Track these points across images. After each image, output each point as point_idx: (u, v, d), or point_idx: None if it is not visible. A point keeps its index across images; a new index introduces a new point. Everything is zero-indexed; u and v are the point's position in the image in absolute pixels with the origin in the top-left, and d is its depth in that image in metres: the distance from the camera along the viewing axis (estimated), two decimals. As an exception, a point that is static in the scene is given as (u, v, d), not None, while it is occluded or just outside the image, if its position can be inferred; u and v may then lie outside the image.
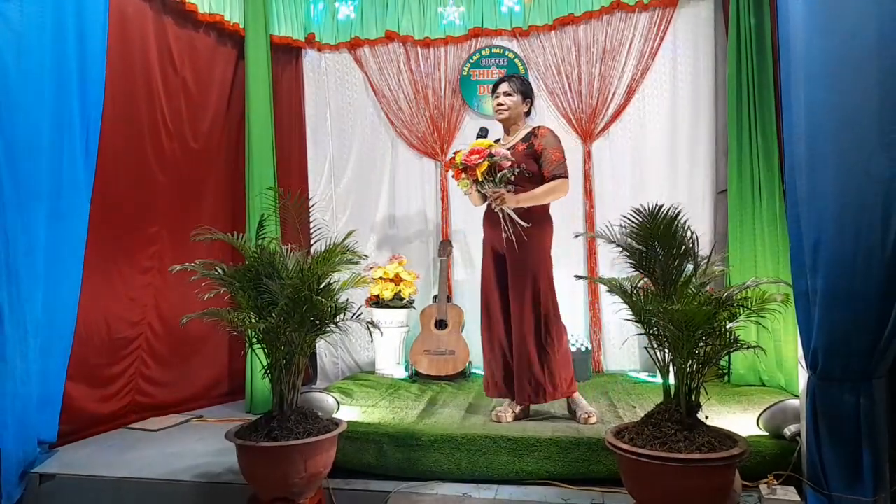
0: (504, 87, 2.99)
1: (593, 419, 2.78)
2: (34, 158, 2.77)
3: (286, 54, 4.36)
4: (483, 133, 2.95)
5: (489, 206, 2.94)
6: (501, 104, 2.97)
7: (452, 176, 2.93)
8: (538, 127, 3.01)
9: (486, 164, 2.71)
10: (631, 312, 2.11)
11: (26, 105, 2.73)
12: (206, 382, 3.94)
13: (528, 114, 3.06)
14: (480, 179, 2.75)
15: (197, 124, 3.87)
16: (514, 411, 2.91)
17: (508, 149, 2.89)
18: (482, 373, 4.06)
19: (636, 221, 2.03)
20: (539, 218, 2.88)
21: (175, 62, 3.72)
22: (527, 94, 3.02)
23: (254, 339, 2.35)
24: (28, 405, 2.74)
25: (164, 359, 3.69)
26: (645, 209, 2.01)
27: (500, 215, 2.79)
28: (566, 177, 2.88)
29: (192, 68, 3.83)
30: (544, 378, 2.86)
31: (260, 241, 2.47)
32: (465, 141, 4.35)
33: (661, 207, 1.99)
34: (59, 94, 2.89)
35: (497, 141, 3.06)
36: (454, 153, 2.88)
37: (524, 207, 2.82)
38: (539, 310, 2.88)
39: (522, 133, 2.98)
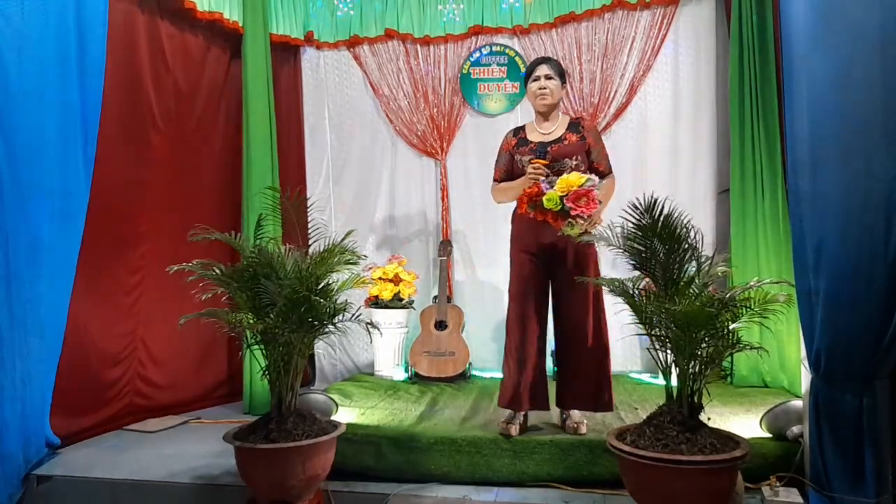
0: (545, 69, 2.75)
1: (583, 429, 2.63)
2: (35, 157, 2.76)
3: (284, 52, 4.34)
4: (543, 153, 2.65)
5: (523, 202, 2.70)
6: (544, 89, 2.73)
7: (534, 211, 2.54)
8: (581, 118, 2.87)
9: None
10: (633, 313, 2.09)
11: (28, 104, 2.72)
12: (204, 383, 3.93)
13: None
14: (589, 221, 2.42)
15: (189, 123, 3.85)
16: (520, 423, 2.71)
17: (558, 139, 2.74)
18: (483, 375, 4.10)
19: (634, 218, 2.02)
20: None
21: (167, 61, 3.70)
22: (563, 76, 2.83)
23: (252, 340, 2.33)
24: (29, 406, 2.73)
25: (162, 360, 3.67)
26: (641, 203, 1.99)
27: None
28: (612, 172, 2.82)
29: (184, 67, 3.81)
30: (610, 385, 2.71)
31: (258, 241, 2.45)
32: (465, 140, 4.36)
33: (656, 201, 1.97)
34: (60, 92, 2.88)
35: (523, 128, 2.87)
36: (533, 193, 2.51)
37: None
38: (601, 313, 2.75)
39: (564, 121, 2.82)
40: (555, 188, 2.44)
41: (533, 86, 2.78)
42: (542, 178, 2.56)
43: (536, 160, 2.63)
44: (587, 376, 2.70)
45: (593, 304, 2.73)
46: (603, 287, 2.73)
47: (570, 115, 2.90)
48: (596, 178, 2.50)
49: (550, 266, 2.76)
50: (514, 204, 2.86)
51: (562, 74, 2.83)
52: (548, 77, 2.76)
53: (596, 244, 2.73)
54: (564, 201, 2.40)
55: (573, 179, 2.42)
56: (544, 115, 2.82)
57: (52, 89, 2.83)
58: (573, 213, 2.39)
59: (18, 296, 2.67)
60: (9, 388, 2.61)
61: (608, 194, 2.75)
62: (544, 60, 2.83)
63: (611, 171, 2.82)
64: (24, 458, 2.68)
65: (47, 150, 2.82)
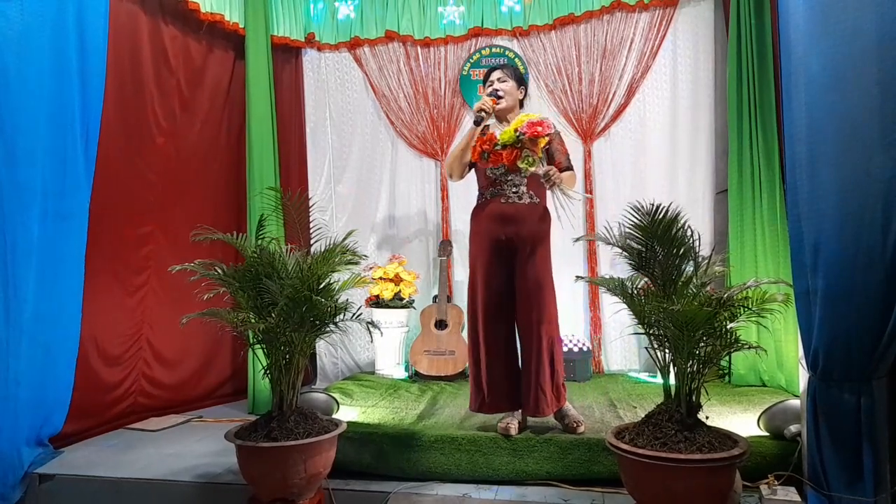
0: (497, 73, 2.84)
1: (581, 428, 2.64)
2: (35, 159, 2.77)
3: (286, 54, 4.36)
4: (478, 121, 2.70)
5: (486, 199, 2.80)
6: (497, 90, 2.79)
7: (488, 159, 2.56)
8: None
9: (546, 139, 2.44)
10: (631, 313, 2.10)
11: (27, 105, 2.72)
12: (208, 383, 3.94)
13: (521, 103, 2.90)
14: (540, 156, 2.45)
15: (193, 124, 3.87)
16: (519, 421, 2.72)
17: None
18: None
19: (635, 221, 2.03)
20: (547, 215, 2.80)
21: (170, 62, 3.72)
22: (521, 80, 2.88)
23: (253, 340, 2.34)
24: (24, 406, 2.74)
25: (167, 360, 3.69)
26: (643, 207, 2.00)
27: (555, 196, 2.54)
28: (573, 169, 2.81)
29: (187, 68, 3.83)
30: (560, 385, 2.72)
31: (260, 241, 2.46)
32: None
33: (658, 207, 1.98)
34: (60, 93, 2.89)
35: (486, 128, 2.83)
36: (487, 136, 2.57)
37: (539, 204, 2.76)
38: (552, 313, 2.74)
39: None
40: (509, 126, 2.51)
41: (487, 89, 2.85)
42: (487, 112, 2.66)
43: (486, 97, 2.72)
44: (540, 379, 2.67)
45: (548, 305, 2.72)
46: (555, 288, 2.78)
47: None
48: (551, 122, 2.54)
49: (510, 264, 2.77)
50: (473, 202, 2.89)
51: (518, 78, 2.87)
52: (500, 80, 2.82)
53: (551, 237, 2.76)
54: (518, 131, 2.46)
55: (524, 117, 2.51)
56: (501, 117, 2.85)
57: (51, 91, 2.84)
58: (527, 135, 2.44)
59: (15, 296, 2.68)
60: (2, 388, 2.62)
61: (571, 181, 2.74)
62: (498, 67, 2.90)
63: (570, 167, 2.80)
64: (19, 458, 2.69)
65: (48, 150, 2.83)
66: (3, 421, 2.62)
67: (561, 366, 2.76)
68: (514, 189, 2.74)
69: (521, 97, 2.89)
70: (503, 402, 2.77)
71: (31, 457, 2.76)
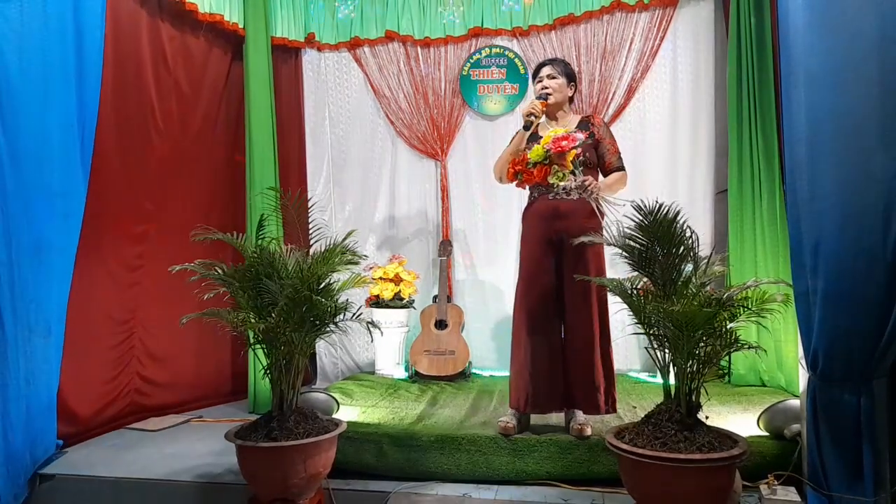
0: (547, 70, 2.79)
1: (588, 430, 2.58)
2: (38, 158, 2.76)
3: (285, 54, 4.36)
4: (527, 125, 2.70)
5: (535, 197, 2.77)
6: (546, 88, 2.76)
7: (521, 179, 2.59)
8: (592, 115, 2.88)
9: (574, 151, 2.44)
10: (631, 313, 2.10)
11: (29, 104, 2.72)
12: (207, 382, 3.94)
13: (571, 99, 2.87)
14: (570, 169, 2.45)
15: (190, 124, 3.86)
16: (519, 420, 2.70)
17: None
18: (482, 374, 4.12)
19: (636, 219, 2.03)
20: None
21: (168, 62, 3.71)
22: (571, 76, 2.84)
23: (253, 340, 2.34)
24: (35, 406, 2.74)
25: (163, 359, 3.68)
26: (645, 207, 2.00)
27: (595, 205, 2.55)
28: (625, 169, 2.77)
29: (185, 68, 3.82)
30: (612, 384, 2.66)
31: (260, 241, 2.46)
32: (465, 140, 4.38)
33: (661, 206, 1.98)
34: (60, 93, 2.89)
35: (529, 127, 2.80)
36: (520, 158, 2.58)
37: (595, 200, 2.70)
38: (605, 311, 2.69)
39: (573, 120, 2.82)
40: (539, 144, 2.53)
41: (536, 87, 2.83)
42: (536, 115, 2.67)
43: (536, 101, 2.70)
44: (594, 376, 2.64)
45: (598, 303, 2.68)
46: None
47: (579, 114, 2.88)
48: (579, 134, 2.51)
49: (559, 261, 2.73)
50: (524, 202, 2.87)
51: (568, 74, 2.83)
52: (550, 77, 2.78)
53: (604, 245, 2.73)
54: (546, 148, 2.47)
55: (553, 132, 2.50)
56: (550, 114, 2.83)
57: (52, 90, 2.83)
58: (552, 151, 2.44)
59: (22, 296, 2.67)
60: (13, 388, 2.61)
61: (614, 185, 2.72)
62: (549, 62, 2.85)
63: (621, 167, 2.76)
64: (31, 458, 2.69)
65: (50, 150, 2.83)
66: (17, 422, 2.61)
67: (612, 366, 2.69)
68: (561, 186, 2.68)
69: (570, 93, 2.85)
70: (551, 402, 2.70)
71: (42, 457, 2.76)
